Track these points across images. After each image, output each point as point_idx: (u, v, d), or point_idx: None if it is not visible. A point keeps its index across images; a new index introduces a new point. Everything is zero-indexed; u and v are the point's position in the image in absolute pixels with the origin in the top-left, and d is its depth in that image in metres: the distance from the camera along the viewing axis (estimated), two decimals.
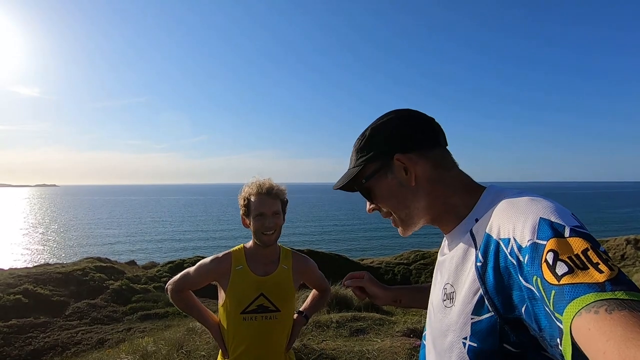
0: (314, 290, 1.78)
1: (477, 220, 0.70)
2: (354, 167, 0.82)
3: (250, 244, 1.59)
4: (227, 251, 1.60)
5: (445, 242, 0.82)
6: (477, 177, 0.80)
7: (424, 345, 0.83)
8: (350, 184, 0.82)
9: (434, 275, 0.85)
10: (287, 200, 1.60)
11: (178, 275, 1.60)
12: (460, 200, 0.75)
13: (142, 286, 13.55)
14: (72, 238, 40.35)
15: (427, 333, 0.81)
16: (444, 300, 0.72)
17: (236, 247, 1.61)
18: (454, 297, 0.69)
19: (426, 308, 0.87)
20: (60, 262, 18.67)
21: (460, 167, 0.81)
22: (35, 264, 17.36)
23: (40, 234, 44.25)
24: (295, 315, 1.68)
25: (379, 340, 3.60)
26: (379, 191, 0.79)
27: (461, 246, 0.71)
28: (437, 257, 0.84)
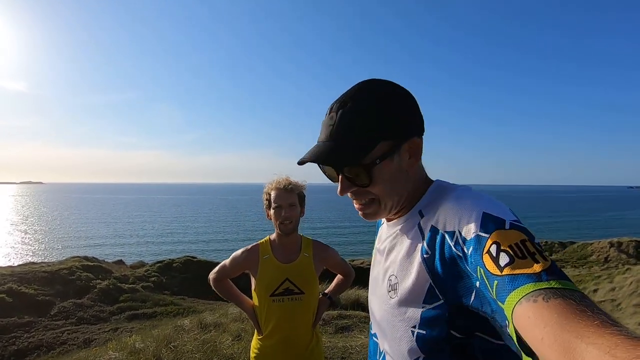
0: (338, 274, 1.97)
1: (421, 213, 0.73)
2: (359, 142, 0.69)
3: (274, 235, 1.79)
4: (255, 243, 1.81)
5: (383, 230, 0.83)
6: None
7: (374, 335, 0.83)
8: (352, 160, 0.69)
9: (372, 265, 0.85)
10: (304, 195, 1.79)
11: (217, 267, 1.83)
12: (417, 190, 0.76)
13: (130, 286, 13.42)
14: (59, 237, 39.58)
15: (374, 325, 0.81)
16: (389, 292, 0.73)
17: (263, 240, 1.81)
18: (397, 287, 0.70)
19: None
20: (46, 261, 18.34)
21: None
22: (20, 263, 17.02)
23: (25, 232, 43.29)
24: (320, 296, 1.86)
25: (363, 337, 3.69)
26: (380, 175, 0.70)
27: (407, 239, 0.72)
28: None
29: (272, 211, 1.71)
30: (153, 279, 14.49)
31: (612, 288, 12.36)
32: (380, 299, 0.76)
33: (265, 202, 1.76)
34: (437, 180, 0.79)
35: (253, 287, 1.75)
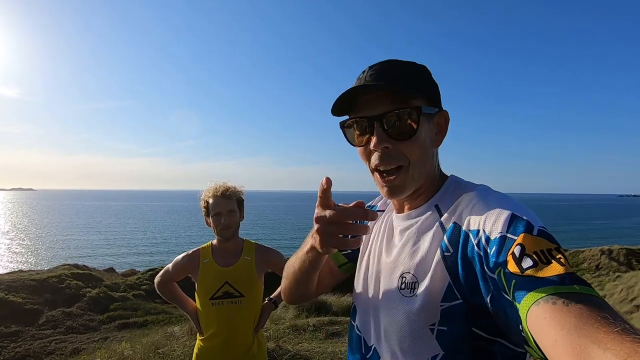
0: None
1: (438, 207, 0.70)
2: (411, 84, 0.66)
3: (215, 240, 1.82)
4: (196, 248, 1.84)
5: (395, 222, 0.77)
6: None
7: (358, 328, 0.78)
8: (412, 91, 0.65)
9: (365, 258, 0.80)
10: (243, 199, 1.82)
11: (162, 271, 1.87)
12: (434, 180, 0.73)
13: (121, 294, 13.24)
14: (48, 244, 38.92)
15: (364, 318, 0.77)
16: (402, 289, 0.69)
17: (205, 244, 1.84)
18: (416, 286, 0.66)
19: None
20: (35, 268, 18.01)
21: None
22: (8, 271, 16.71)
23: (12, 239, 42.50)
24: (265, 301, 1.87)
25: None
26: (422, 131, 0.67)
27: (426, 235, 0.69)
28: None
29: (211, 219, 1.73)
30: (145, 287, 14.30)
31: (603, 295, 12.51)
32: (387, 296, 0.72)
33: (204, 210, 1.76)
34: (452, 175, 0.76)
35: (195, 290, 1.80)
